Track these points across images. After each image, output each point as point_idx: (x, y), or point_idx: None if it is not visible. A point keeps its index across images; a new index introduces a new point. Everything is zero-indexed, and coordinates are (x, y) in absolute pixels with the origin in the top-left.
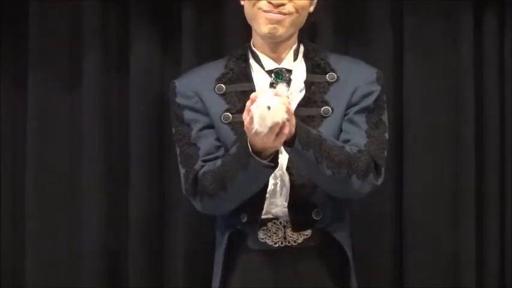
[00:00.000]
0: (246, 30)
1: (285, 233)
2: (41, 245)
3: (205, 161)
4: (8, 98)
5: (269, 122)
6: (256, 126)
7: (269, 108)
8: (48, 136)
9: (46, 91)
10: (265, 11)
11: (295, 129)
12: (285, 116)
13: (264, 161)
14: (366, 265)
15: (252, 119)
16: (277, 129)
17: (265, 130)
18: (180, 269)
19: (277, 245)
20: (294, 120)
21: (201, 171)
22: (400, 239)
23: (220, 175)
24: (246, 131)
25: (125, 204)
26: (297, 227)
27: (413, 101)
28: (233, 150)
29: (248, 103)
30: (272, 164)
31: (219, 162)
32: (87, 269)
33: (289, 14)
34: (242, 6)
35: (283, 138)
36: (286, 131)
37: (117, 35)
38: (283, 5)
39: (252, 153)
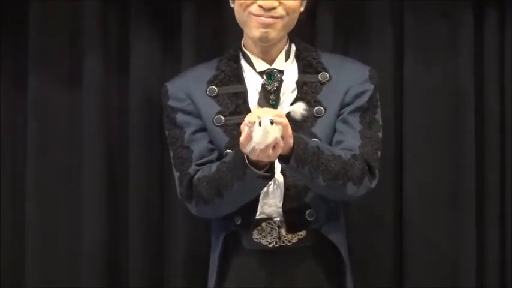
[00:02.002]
0: None
1: (279, 233)
2: (41, 245)
3: (199, 164)
4: (8, 98)
5: (270, 138)
6: (254, 143)
7: (272, 122)
8: (48, 136)
9: (46, 91)
10: (256, 15)
11: (293, 143)
12: (281, 132)
13: (260, 172)
14: (365, 266)
15: (248, 135)
16: (273, 145)
17: (262, 146)
18: (179, 269)
19: (271, 245)
20: (290, 132)
21: (195, 177)
22: (400, 239)
23: (215, 182)
24: (242, 148)
25: (125, 204)
26: (291, 228)
27: (413, 101)
28: (228, 158)
29: (242, 125)
30: (268, 174)
31: (214, 168)
32: (87, 269)
33: (281, 17)
34: (233, 9)
35: (278, 153)
36: (281, 145)
37: (117, 35)
38: (274, 8)
39: (249, 165)
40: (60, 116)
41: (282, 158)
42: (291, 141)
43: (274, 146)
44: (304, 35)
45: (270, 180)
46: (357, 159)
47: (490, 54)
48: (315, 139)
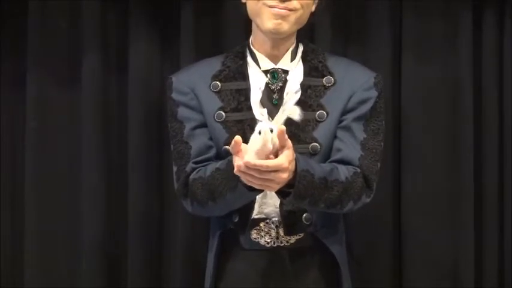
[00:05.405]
0: (246, 31)
1: (277, 233)
2: (40, 245)
3: (196, 162)
4: (7, 97)
5: (271, 146)
6: (254, 153)
7: (272, 130)
8: (48, 136)
9: (45, 91)
10: (270, 6)
11: (294, 177)
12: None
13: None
14: (364, 267)
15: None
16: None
17: (263, 156)
18: (178, 270)
19: (269, 245)
20: (293, 167)
21: (191, 177)
22: (399, 240)
23: (209, 187)
24: (239, 173)
25: (124, 204)
26: (288, 231)
27: (412, 102)
28: (223, 166)
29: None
30: None
31: (208, 172)
32: (86, 269)
33: (295, 10)
34: (242, 6)
35: (280, 183)
36: (285, 177)
37: (116, 35)
38: (289, 0)
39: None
40: (60, 116)
41: (280, 192)
42: (290, 175)
43: (267, 179)
44: (303, 34)
45: (262, 191)
46: (358, 177)
47: (488, 54)
48: (321, 164)
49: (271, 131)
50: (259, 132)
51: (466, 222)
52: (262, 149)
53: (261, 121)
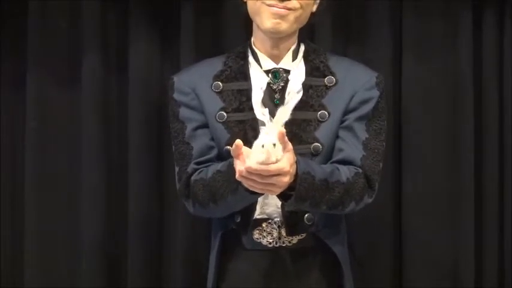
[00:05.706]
0: (246, 31)
1: (279, 233)
2: (40, 245)
3: (197, 163)
4: (7, 97)
5: (274, 159)
6: (256, 165)
7: (274, 145)
8: (48, 136)
9: (45, 91)
10: (269, 5)
11: (295, 180)
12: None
13: None
14: (364, 267)
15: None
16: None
17: (264, 167)
18: (178, 270)
19: (271, 245)
20: (294, 170)
21: (192, 178)
22: (400, 240)
23: (210, 189)
24: (240, 178)
25: (124, 204)
26: (290, 231)
27: (412, 102)
28: (224, 168)
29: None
30: None
31: (210, 173)
32: (86, 269)
33: (294, 9)
34: (241, 5)
35: (281, 187)
36: (286, 180)
37: (116, 34)
38: None
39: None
40: (60, 116)
41: (282, 194)
42: (291, 179)
43: (269, 183)
44: (304, 34)
45: (263, 194)
46: (360, 177)
47: (488, 54)
48: (322, 165)
49: (274, 145)
50: (262, 146)
51: (466, 222)
52: (265, 162)
53: (262, 121)
